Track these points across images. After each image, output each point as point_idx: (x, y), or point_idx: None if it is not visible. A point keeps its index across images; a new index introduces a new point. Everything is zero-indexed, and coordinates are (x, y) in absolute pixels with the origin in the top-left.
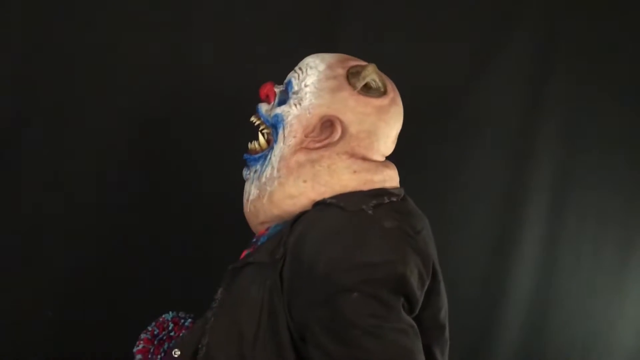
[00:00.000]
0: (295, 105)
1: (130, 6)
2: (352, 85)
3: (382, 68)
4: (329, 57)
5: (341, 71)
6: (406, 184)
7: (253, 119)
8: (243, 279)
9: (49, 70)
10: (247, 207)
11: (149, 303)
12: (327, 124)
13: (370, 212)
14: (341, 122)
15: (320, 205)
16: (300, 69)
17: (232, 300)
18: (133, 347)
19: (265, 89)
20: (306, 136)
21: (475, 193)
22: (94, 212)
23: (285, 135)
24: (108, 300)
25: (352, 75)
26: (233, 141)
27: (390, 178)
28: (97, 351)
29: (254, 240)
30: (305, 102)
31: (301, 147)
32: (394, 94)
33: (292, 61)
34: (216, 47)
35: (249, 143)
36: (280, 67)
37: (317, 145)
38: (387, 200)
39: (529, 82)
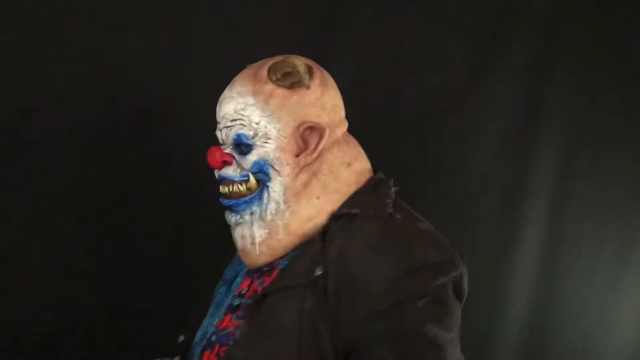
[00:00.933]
0: (266, 142)
1: (131, 6)
2: (304, 85)
3: (383, 68)
4: (243, 87)
5: (269, 86)
6: (406, 184)
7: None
8: (270, 308)
9: (48, 70)
10: (257, 251)
11: (149, 306)
12: (308, 132)
13: (398, 216)
14: (315, 122)
15: (344, 217)
16: (235, 120)
17: (260, 332)
18: (132, 350)
19: (217, 157)
20: (297, 156)
21: (475, 193)
22: (94, 214)
23: (278, 169)
24: (107, 303)
25: (283, 79)
26: None
27: (364, 154)
28: (96, 354)
29: (266, 268)
30: (273, 132)
31: (300, 169)
32: (313, 63)
33: None
34: (215, 48)
35: (227, 187)
36: None
37: (315, 155)
38: (393, 195)
39: (529, 82)
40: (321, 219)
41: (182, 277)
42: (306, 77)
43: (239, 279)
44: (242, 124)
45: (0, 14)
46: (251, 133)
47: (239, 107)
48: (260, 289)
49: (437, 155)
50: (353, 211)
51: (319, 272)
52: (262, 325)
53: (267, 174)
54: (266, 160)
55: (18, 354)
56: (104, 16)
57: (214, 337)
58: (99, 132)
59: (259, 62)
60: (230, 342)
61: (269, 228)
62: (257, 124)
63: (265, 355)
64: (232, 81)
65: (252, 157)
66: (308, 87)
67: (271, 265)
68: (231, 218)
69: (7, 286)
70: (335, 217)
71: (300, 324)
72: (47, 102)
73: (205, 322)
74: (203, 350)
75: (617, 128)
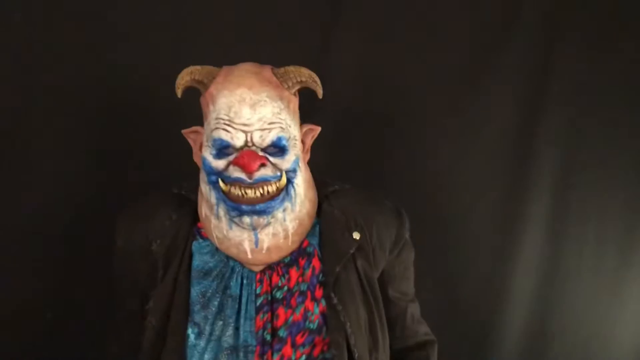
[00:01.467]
0: (295, 143)
1: (130, 6)
2: (319, 94)
3: (383, 68)
4: (268, 92)
5: (285, 92)
6: (406, 184)
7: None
8: (340, 279)
9: (48, 70)
10: (289, 242)
11: None
12: (303, 132)
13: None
14: (311, 125)
15: (332, 194)
16: (273, 123)
17: (345, 300)
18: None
19: (256, 160)
20: (301, 152)
21: (475, 193)
22: (94, 213)
23: (301, 165)
24: (108, 302)
25: (293, 86)
26: None
27: None
28: (97, 354)
29: (287, 259)
30: (297, 134)
31: (305, 164)
32: None
33: (292, 61)
34: (215, 47)
35: (259, 190)
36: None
37: (309, 152)
38: None
39: (529, 81)
40: (317, 200)
41: None
42: (320, 89)
43: (243, 281)
44: (281, 127)
45: (1, 14)
46: (287, 135)
47: (275, 110)
48: (310, 273)
49: (436, 155)
50: (337, 187)
51: (357, 235)
52: (345, 293)
53: (295, 172)
54: (298, 159)
55: (18, 354)
56: (104, 16)
57: (268, 336)
58: (100, 131)
59: (251, 67)
60: (310, 326)
61: (298, 218)
62: (289, 127)
63: (356, 311)
64: (247, 84)
65: (291, 157)
66: (321, 97)
67: (295, 253)
68: (262, 221)
69: (8, 285)
70: (325, 196)
71: (360, 278)
72: (48, 102)
73: (202, 343)
74: (262, 354)
75: (618, 128)
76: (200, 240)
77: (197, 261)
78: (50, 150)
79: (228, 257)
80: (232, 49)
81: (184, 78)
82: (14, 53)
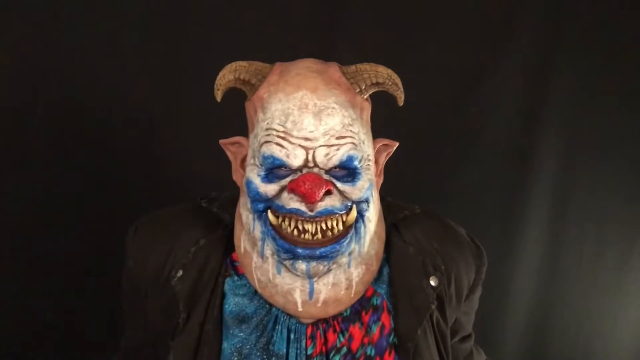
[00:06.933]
0: (369, 164)
1: (131, 6)
2: (400, 100)
3: None
4: (337, 97)
5: (358, 97)
6: (407, 185)
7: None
8: (423, 348)
9: (48, 70)
10: (352, 293)
11: None
12: (377, 149)
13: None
14: (387, 140)
15: (401, 223)
16: (343, 137)
17: (427, 350)
18: None
19: (321, 187)
20: (374, 175)
21: (476, 194)
22: (95, 213)
23: (374, 195)
24: (108, 303)
25: (368, 89)
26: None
27: None
28: (96, 354)
29: (345, 313)
30: (371, 153)
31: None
32: None
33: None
34: (216, 47)
35: (322, 224)
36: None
37: (382, 174)
38: None
39: (529, 82)
40: (385, 234)
41: None
42: (402, 93)
43: (290, 336)
44: (353, 143)
45: (2, 14)
46: (360, 155)
47: (346, 121)
48: (378, 333)
49: (436, 156)
50: (407, 212)
51: (434, 282)
52: (426, 352)
53: (368, 202)
54: (371, 185)
55: (18, 354)
56: (103, 16)
57: None
58: (100, 132)
59: (313, 64)
60: None
61: (365, 263)
62: (362, 143)
63: None
64: (309, 86)
65: (364, 183)
66: (402, 104)
67: (356, 304)
68: (321, 268)
69: (8, 286)
70: (393, 225)
71: (436, 338)
72: (47, 103)
73: None
74: None
75: (618, 128)
76: (235, 278)
77: (230, 304)
78: (52, 150)
79: (271, 304)
80: (231, 49)
81: (226, 77)
82: (18, 55)
